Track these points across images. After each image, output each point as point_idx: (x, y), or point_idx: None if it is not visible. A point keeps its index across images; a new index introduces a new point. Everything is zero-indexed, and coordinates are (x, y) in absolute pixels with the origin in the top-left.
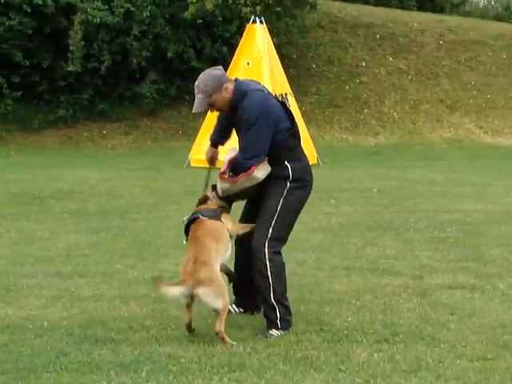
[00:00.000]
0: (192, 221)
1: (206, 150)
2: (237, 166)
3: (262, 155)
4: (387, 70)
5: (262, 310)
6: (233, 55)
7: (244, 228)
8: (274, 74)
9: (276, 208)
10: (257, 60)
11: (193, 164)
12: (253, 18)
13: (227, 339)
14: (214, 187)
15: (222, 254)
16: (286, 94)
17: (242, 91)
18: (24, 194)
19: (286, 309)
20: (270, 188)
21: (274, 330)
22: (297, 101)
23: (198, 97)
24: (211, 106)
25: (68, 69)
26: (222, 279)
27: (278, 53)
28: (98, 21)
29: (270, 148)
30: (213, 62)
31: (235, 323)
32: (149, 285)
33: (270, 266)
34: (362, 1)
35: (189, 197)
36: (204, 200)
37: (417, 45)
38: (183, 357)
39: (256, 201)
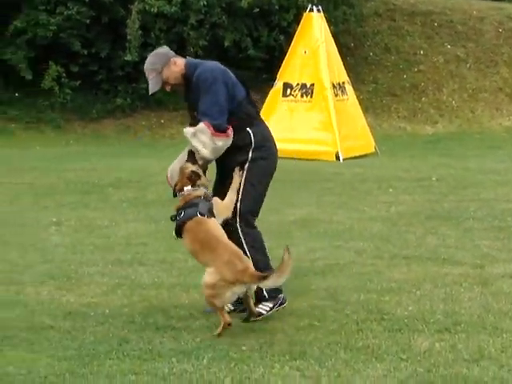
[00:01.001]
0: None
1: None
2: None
3: (225, 116)
4: (445, 58)
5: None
6: (290, 44)
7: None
8: (332, 62)
9: (240, 182)
10: (314, 48)
11: None
12: (310, 6)
13: None
14: (191, 157)
15: None
16: (343, 83)
17: (195, 63)
18: (83, 183)
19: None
20: (232, 162)
21: (261, 305)
22: (354, 89)
23: (150, 78)
24: (165, 84)
25: (126, 58)
26: None
27: (335, 41)
28: (156, 10)
29: (230, 116)
30: (269, 51)
31: (296, 312)
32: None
33: (246, 241)
34: None
35: None
36: (196, 176)
37: (475, 32)
38: (244, 344)
39: (221, 173)
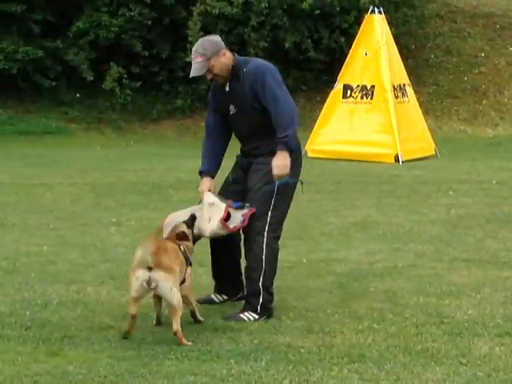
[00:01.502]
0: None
1: (201, 183)
2: (288, 113)
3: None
4: (507, 61)
5: (245, 292)
6: (350, 46)
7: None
8: (393, 64)
9: (273, 191)
10: (375, 50)
11: (310, 155)
12: (371, 7)
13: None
14: (190, 221)
15: None
16: (404, 85)
17: (243, 58)
18: (143, 184)
19: (271, 296)
20: (263, 168)
21: (248, 313)
22: (415, 91)
23: (197, 61)
24: (209, 71)
25: (186, 59)
26: None
27: (396, 43)
28: (217, 11)
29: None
30: (330, 53)
31: (355, 314)
32: None
33: (266, 252)
34: None
35: (306, 187)
36: (184, 237)
37: None
38: (302, 347)
39: (241, 180)
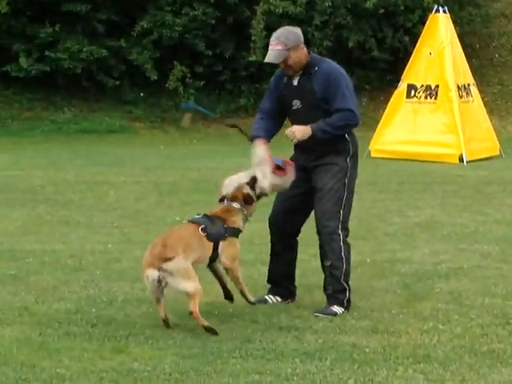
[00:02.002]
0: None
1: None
2: (345, 117)
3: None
4: None
5: (329, 290)
6: (414, 45)
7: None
8: (457, 64)
9: (343, 190)
10: (439, 50)
11: (373, 154)
12: (436, 7)
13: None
14: (252, 182)
15: None
16: (468, 85)
17: (317, 57)
18: (206, 182)
19: (350, 290)
20: (332, 168)
21: (336, 307)
22: (479, 91)
23: (276, 48)
24: (284, 61)
25: (250, 58)
26: None
27: (460, 42)
28: (280, 11)
29: None
30: (394, 52)
31: (420, 315)
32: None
33: (344, 249)
34: None
35: (370, 187)
36: (250, 200)
37: None
38: (367, 347)
39: (301, 183)
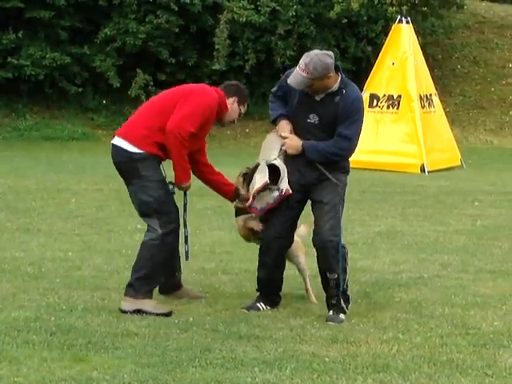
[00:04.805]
0: None
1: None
2: (338, 146)
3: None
4: None
5: (335, 300)
6: (377, 55)
7: None
8: (419, 74)
9: (340, 203)
10: (402, 60)
11: None
12: (399, 17)
13: None
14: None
15: None
16: (430, 95)
17: (345, 80)
18: None
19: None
20: (337, 185)
21: (342, 315)
22: (441, 101)
23: (302, 75)
24: (307, 87)
25: (213, 67)
26: None
27: (423, 53)
28: (244, 20)
29: None
30: (357, 62)
31: (379, 324)
32: (291, 284)
33: (346, 260)
34: (510, 1)
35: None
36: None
37: None
38: (327, 356)
39: (299, 206)
